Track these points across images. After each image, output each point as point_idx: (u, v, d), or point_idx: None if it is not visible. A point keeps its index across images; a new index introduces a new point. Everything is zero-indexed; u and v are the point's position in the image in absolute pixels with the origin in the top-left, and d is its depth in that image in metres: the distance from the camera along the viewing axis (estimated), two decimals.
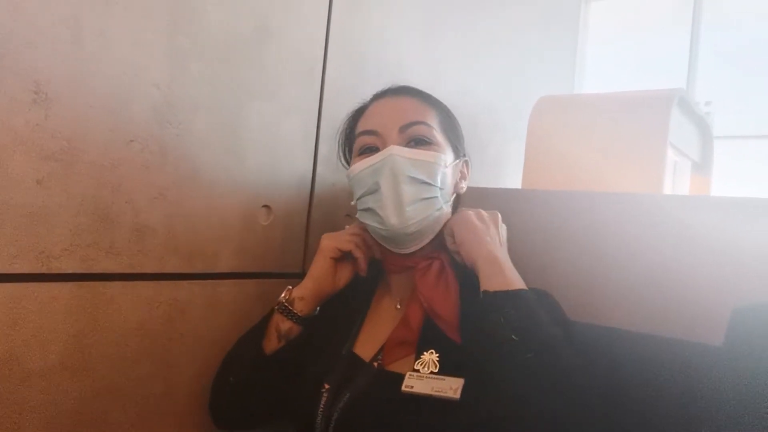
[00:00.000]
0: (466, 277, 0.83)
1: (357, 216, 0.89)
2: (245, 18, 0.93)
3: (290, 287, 0.90)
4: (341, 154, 0.98)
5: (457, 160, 0.90)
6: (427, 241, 0.86)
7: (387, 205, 0.81)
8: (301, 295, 0.88)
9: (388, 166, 0.81)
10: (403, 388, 0.77)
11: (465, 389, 0.74)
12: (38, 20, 0.70)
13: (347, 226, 0.95)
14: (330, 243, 0.90)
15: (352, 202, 0.89)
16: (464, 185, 0.93)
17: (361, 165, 0.84)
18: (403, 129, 0.84)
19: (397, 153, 0.81)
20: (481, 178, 1.69)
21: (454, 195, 0.91)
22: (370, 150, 0.85)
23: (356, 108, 0.97)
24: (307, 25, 1.04)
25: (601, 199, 0.95)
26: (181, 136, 0.86)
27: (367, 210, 0.85)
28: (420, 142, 0.84)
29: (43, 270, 0.73)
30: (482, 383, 0.74)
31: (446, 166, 0.85)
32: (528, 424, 0.69)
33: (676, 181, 1.44)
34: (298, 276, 1.06)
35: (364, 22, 1.17)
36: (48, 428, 0.74)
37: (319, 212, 1.09)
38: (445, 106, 0.93)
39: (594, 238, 0.95)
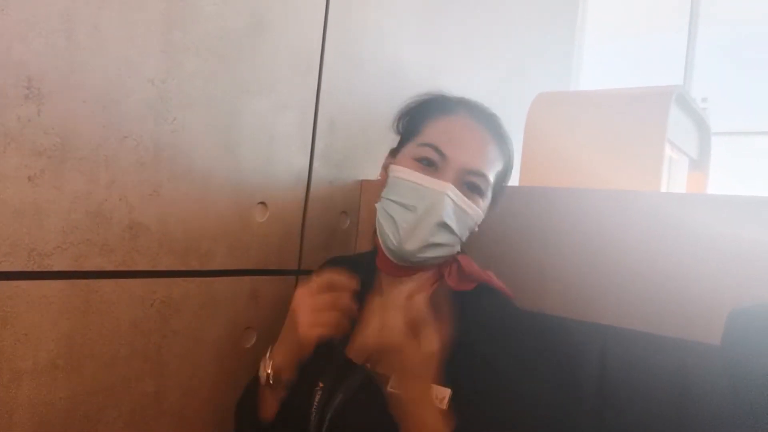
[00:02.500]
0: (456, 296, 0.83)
1: (377, 206, 0.85)
2: (241, 12, 0.92)
3: (268, 357, 0.83)
4: (398, 123, 0.91)
5: (490, 206, 0.88)
6: (425, 270, 0.86)
7: (409, 231, 0.79)
8: (282, 366, 0.83)
9: (435, 200, 0.79)
10: (389, 388, 0.76)
11: (453, 399, 0.73)
12: (31, 14, 0.69)
13: (316, 277, 0.81)
14: (310, 334, 0.76)
15: (381, 194, 0.85)
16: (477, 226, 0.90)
17: (411, 176, 0.81)
18: (466, 172, 0.81)
19: (450, 194, 0.79)
20: None
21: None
22: (429, 164, 0.82)
23: (438, 95, 0.90)
24: (304, 20, 1.03)
25: (598, 196, 0.95)
26: (175, 132, 0.85)
27: (390, 217, 0.82)
28: (474, 190, 0.82)
29: (35, 268, 0.72)
30: (470, 394, 0.74)
31: (477, 222, 0.84)
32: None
33: (673, 177, 1.44)
34: (293, 273, 1.05)
35: (362, 17, 1.16)
36: (40, 428, 0.74)
37: (315, 209, 1.08)
38: (512, 151, 0.90)
39: (591, 236, 0.94)
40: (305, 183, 1.06)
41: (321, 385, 0.82)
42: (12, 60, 0.68)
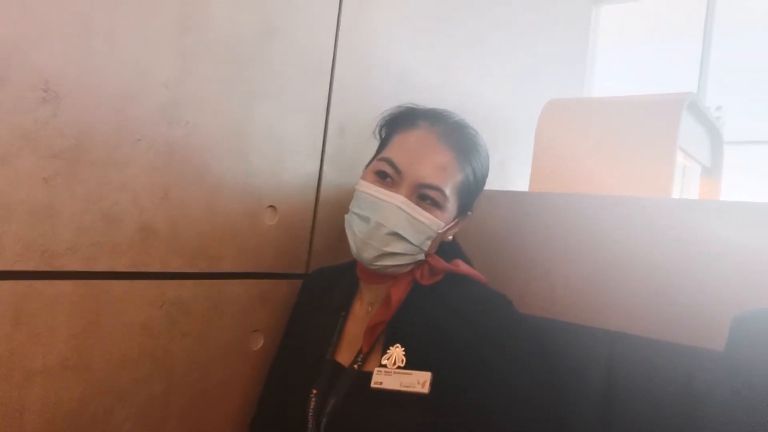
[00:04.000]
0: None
1: (345, 218, 0.89)
2: (253, 18, 0.93)
3: None
4: (378, 131, 0.96)
5: (455, 221, 0.90)
6: (395, 274, 0.88)
7: (364, 241, 0.83)
8: None
9: (387, 211, 0.82)
10: (372, 384, 0.79)
11: (434, 383, 0.76)
12: (48, 19, 0.70)
13: None
14: None
15: (350, 207, 0.89)
16: (452, 235, 0.92)
17: (368, 188, 0.85)
18: (419, 186, 0.84)
19: (401, 206, 0.82)
20: (488, 181, 1.68)
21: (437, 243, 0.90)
22: (385, 177, 0.86)
23: (407, 108, 0.93)
24: (316, 25, 1.04)
25: (608, 203, 0.94)
26: (187, 135, 0.86)
27: (351, 228, 0.86)
28: (428, 201, 0.85)
29: (47, 268, 0.73)
30: (451, 377, 0.77)
31: (437, 231, 0.85)
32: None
33: (685, 185, 1.43)
34: (302, 277, 1.06)
35: (373, 23, 1.17)
36: (49, 427, 0.74)
37: (324, 213, 1.08)
38: (484, 157, 0.92)
39: (601, 242, 0.94)
40: (315, 187, 1.07)
41: (315, 391, 0.84)
42: (30, 63, 0.69)
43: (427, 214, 0.84)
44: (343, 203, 1.12)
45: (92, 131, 0.75)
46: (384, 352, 0.82)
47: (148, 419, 0.85)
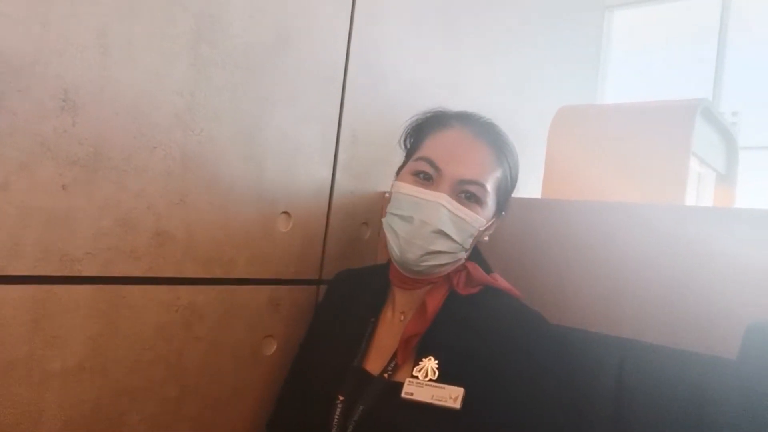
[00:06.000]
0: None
1: (383, 221, 0.89)
2: (266, 28, 0.94)
3: None
4: (403, 140, 0.96)
5: (493, 219, 0.90)
6: (433, 278, 0.87)
7: (408, 241, 0.82)
8: None
9: (430, 210, 0.82)
10: (403, 395, 0.78)
11: (466, 399, 0.75)
12: (67, 30, 0.72)
13: None
14: None
15: (386, 209, 0.88)
16: (488, 236, 0.92)
17: (408, 189, 0.85)
18: (461, 182, 0.84)
19: (444, 204, 0.82)
20: None
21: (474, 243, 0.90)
22: (425, 177, 0.85)
23: (437, 111, 0.93)
24: (328, 35, 1.05)
25: (621, 210, 0.94)
26: (202, 143, 0.87)
27: (392, 230, 0.86)
28: (470, 198, 0.85)
29: (66, 273, 0.74)
30: (483, 393, 0.75)
31: (478, 228, 0.85)
32: None
33: (700, 192, 1.42)
34: (315, 283, 1.07)
35: (385, 31, 1.18)
36: (67, 428, 0.76)
37: (337, 219, 1.09)
38: (515, 158, 0.92)
39: (614, 249, 0.94)
40: (328, 194, 1.08)
41: (341, 398, 0.83)
42: (50, 73, 0.71)
43: (468, 211, 0.83)
44: (355, 210, 1.13)
45: (109, 139, 0.77)
46: (416, 363, 0.81)
47: (162, 422, 0.86)
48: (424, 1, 1.29)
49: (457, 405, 0.75)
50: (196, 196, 0.87)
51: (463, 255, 0.87)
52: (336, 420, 0.82)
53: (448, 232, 0.82)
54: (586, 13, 2.30)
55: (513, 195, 0.94)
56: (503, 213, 0.92)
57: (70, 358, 0.76)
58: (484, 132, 0.88)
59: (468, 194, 0.84)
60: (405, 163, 0.93)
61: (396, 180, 0.89)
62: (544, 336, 0.82)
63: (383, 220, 0.89)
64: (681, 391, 0.77)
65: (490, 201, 0.87)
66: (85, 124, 0.75)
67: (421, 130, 0.92)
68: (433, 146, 0.87)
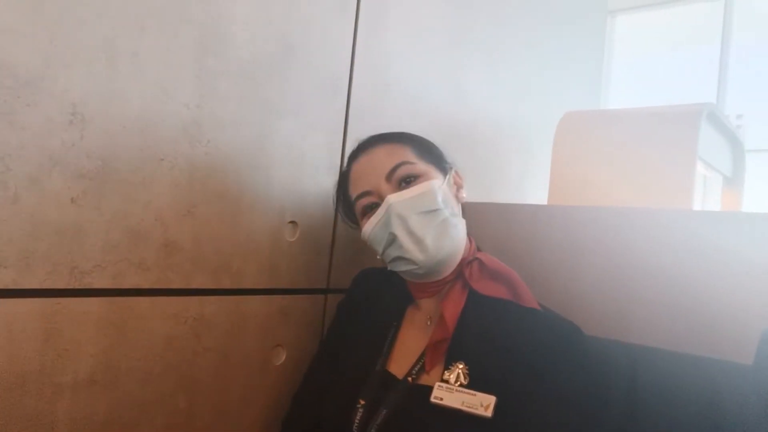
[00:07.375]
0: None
1: (389, 268, 0.89)
2: (271, 38, 0.95)
3: None
4: (346, 218, 1.00)
5: (447, 176, 0.91)
6: (459, 259, 0.87)
7: (409, 247, 0.83)
8: None
9: (393, 214, 0.83)
10: (432, 399, 0.77)
11: (498, 407, 0.74)
12: (75, 44, 0.73)
13: None
14: None
15: (378, 257, 0.90)
16: (464, 193, 0.94)
17: (370, 224, 0.87)
18: (389, 177, 0.87)
19: (394, 200, 0.84)
20: (506, 194, 1.68)
21: (459, 205, 0.92)
22: (372, 207, 0.88)
23: (341, 176, 0.99)
24: (332, 44, 1.06)
25: (628, 215, 0.94)
26: (209, 154, 0.88)
27: (395, 260, 0.86)
28: (408, 179, 0.87)
29: (76, 285, 0.75)
30: (515, 402, 0.74)
31: (440, 188, 0.86)
32: None
33: (707, 195, 1.42)
34: (323, 292, 1.07)
35: (389, 41, 1.19)
36: None
37: (344, 228, 1.09)
38: (415, 135, 0.95)
39: (621, 254, 0.93)
40: (334, 203, 1.08)
41: (362, 402, 0.83)
42: (58, 87, 0.72)
43: (416, 187, 0.85)
44: None
45: (117, 152, 0.78)
46: (446, 368, 0.80)
47: None
48: (428, 11, 1.30)
49: (489, 413, 0.74)
50: (204, 207, 0.88)
51: (459, 219, 0.87)
52: (356, 424, 0.81)
53: (422, 209, 0.83)
54: (589, 18, 2.30)
55: (518, 202, 0.94)
56: (449, 167, 0.93)
57: (82, 371, 0.76)
58: (374, 141, 0.93)
59: (402, 178, 0.86)
60: (355, 220, 0.95)
61: (362, 229, 0.90)
62: (585, 354, 0.81)
63: (389, 267, 0.89)
64: (696, 397, 0.76)
65: (423, 167, 0.88)
66: (93, 137, 0.75)
67: (342, 186, 0.97)
68: (354, 182, 0.91)
